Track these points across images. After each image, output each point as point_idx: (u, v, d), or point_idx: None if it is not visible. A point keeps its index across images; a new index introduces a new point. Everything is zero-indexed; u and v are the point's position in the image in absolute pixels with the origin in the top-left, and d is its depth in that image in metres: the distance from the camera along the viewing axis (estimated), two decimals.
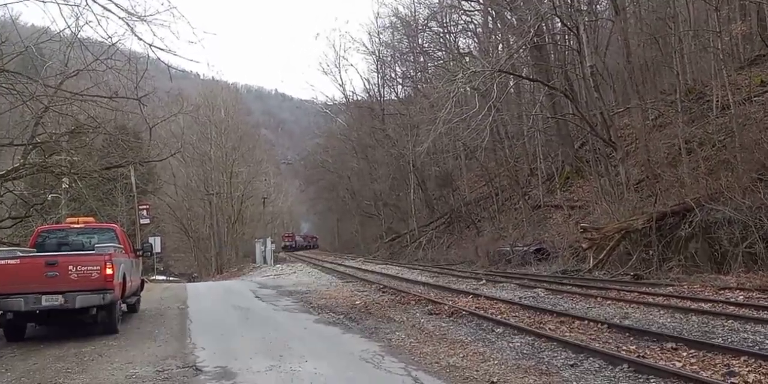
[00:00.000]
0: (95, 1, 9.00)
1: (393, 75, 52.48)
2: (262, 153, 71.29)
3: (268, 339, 9.51)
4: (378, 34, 50.33)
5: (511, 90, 29.58)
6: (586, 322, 9.65)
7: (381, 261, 36.79)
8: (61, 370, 7.61)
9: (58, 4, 9.34)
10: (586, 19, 23.51)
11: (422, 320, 10.99)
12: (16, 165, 16.53)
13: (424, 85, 42.36)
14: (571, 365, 6.98)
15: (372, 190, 50.99)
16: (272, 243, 46.67)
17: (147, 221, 36.97)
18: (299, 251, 69.90)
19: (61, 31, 12.71)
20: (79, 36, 11.32)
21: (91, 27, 9.71)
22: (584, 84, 25.67)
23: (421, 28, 43.50)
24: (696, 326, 9.15)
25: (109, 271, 9.90)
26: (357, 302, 14.27)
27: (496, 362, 7.31)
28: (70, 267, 9.71)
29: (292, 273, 29.76)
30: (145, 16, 9.25)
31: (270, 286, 21.19)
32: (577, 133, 30.36)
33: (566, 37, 28.38)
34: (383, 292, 16.75)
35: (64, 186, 24.09)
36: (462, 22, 39.65)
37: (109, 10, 9.11)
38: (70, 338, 9.98)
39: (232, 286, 24.12)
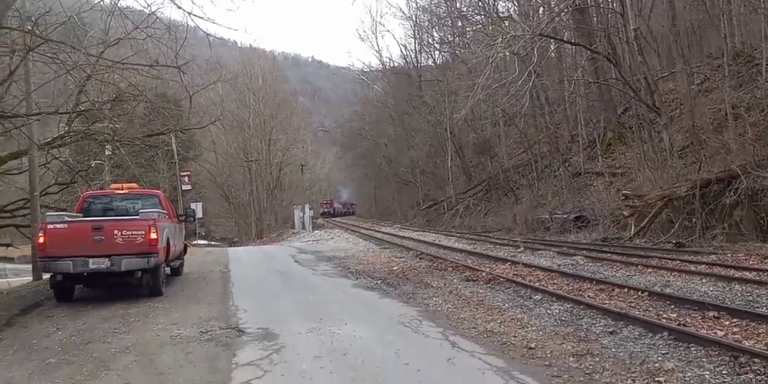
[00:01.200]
0: None
1: (430, 40, 51.59)
2: (300, 120, 71.54)
3: (307, 302, 9.71)
4: None
5: (552, 54, 28.86)
6: (626, 289, 9.56)
7: (418, 228, 36.91)
8: (108, 330, 7.91)
9: None
10: None
11: (459, 286, 11.05)
12: (61, 132, 16.93)
13: (462, 51, 41.57)
14: (611, 332, 6.95)
15: (409, 157, 50.81)
16: (310, 209, 47.14)
17: (188, 187, 37.70)
18: (337, 218, 70.52)
19: (101, 0, 12.83)
20: (119, 5, 11.37)
21: None
22: (628, 48, 24.85)
23: None
24: (739, 295, 8.98)
25: (153, 236, 10.16)
26: (394, 268, 14.40)
27: (533, 328, 7.33)
28: (116, 231, 10.00)
29: (330, 239, 30.11)
30: None
31: (309, 252, 21.51)
32: (620, 99, 29.55)
33: None
34: (420, 258, 16.86)
35: (107, 153, 24.68)
36: None
37: None
38: (116, 300, 10.34)
39: (272, 251, 24.55)
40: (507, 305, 9.00)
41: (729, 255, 13.19)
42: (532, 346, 6.45)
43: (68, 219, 10.78)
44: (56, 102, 16.91)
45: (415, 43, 51.41)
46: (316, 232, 39.52)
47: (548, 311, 8.39)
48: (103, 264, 9.91)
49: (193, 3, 18.90)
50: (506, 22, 29.13)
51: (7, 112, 13.92)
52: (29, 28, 10.94)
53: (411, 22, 50.67)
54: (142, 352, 6.70)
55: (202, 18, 9.59)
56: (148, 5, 10.45)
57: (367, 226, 44.78)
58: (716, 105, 21.38)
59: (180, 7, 9.50)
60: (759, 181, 15.37)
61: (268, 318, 8.38)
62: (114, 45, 14.55)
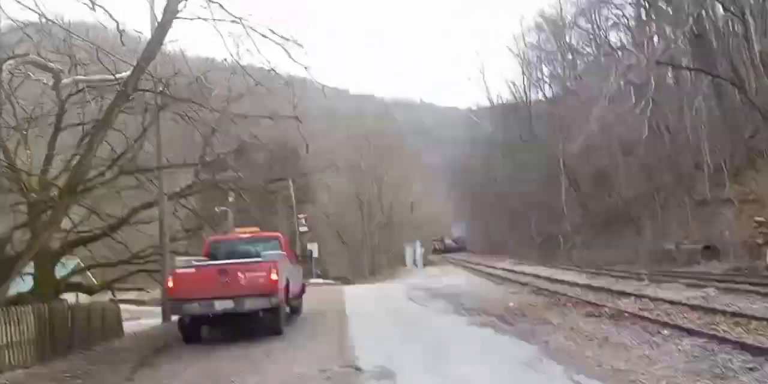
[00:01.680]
0: (254, 30, 9.75)
1: (539, 75, 51.33)
2: (409, 160, 72.56)
3: (423, 340, 9.66)
4: (523, 37, 49.50)
5: (671, 82, 27.78)
6: (765, 322, 8.78)
7: (532, 263, 35.86)
8: (234, 369, 8.22)
9: (221, 36, 10.18)
10: (752, 2, 21.57)
11: (581, 322, 10.57)
12: (188, 183, 18.16)
13: (573, 83, 40.91)
14: (750, 369, 6.38)
15: (520, 191, 50.00)
16: (421, 246, 47.17)
17: (305, 229, 38.97)
18: (449, 254, 70.05)
19: (224, 60, 13.86)
20: (240, 63, 12.23)
21: (251, 53, 10.53)
22: (753, 71, 23.52)
23: (568, 25, 42.12)
24: None
25: (274, 277, 10.57)
26: (510, 304, 14.05)
27: (663, 365, 6.87)
28: (240, 274, 10.49)
29: (442, 275, 29.95)
30: (299, 41, 9.92)
31: (422, 288, 21.45)
32: (747, 123, 27.80)
33: (730, 22, 26.20)
34: (537, 293, 16.39)
35: (230, 199, 26.11)
36: (612, 16, 37.85)
37: (267, 37, 9.85)
38: (239, 340, 10.73)
39: (385, 288, 24.72)
40: (633, 342, 8.50)
41: None
42: (664, 383, 6.05)
43: (195, 263, 11.42)
44: (184, 155, 18.26)
45: (523, 78, 51.32)
46: (427, 268, 39.48)
47: (679, 347, 7.84)
48: (228, 305, 10.38)
49: (307, 57, 19.97)
50: (620, 53, 28.47)
51: (140, 167, 15.23)
52: (161, 89, 11.94)
53: (519, 58, 50.79)
54: None
55: (315, 70, 10.25)
56: (268, 62, 11.21)
57: (479, 261, 44.09)
58: None
59: (297, 62, 10.18)
60: None
61: (384, 356, 8.39)
62: (237, 100, 15.61)
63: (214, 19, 9.84)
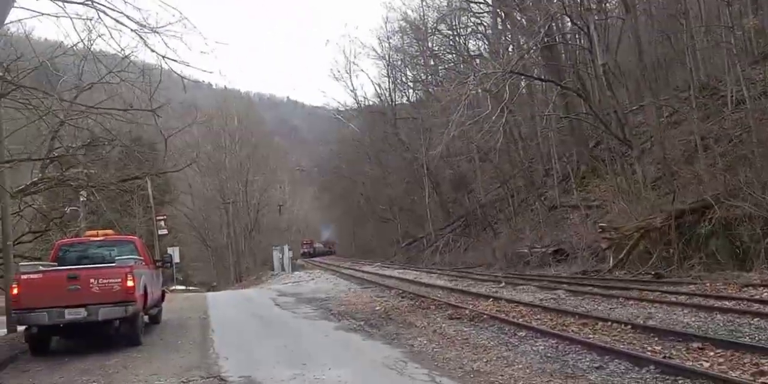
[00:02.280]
0: (107, 15, 8.99)
1: (404, 79, 52.41)
2: (277, 161, 71.71)
3: (289, 347, 9.53)
4: (387, 39, 50.28)
5: (523, 91, 29.47)
6: (609, 323, 9.55)
7: (398, 265, 36.75)
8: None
9: (71, 18, 9.37)
10: (597, 17, 23.39)
11: (443, 325, 10.94)
12: (34, 179, 16.72)
13: (435, 89, 42.26)
14: (597, 368, 6.92)
15: (386, 194, 50.97)
16: (290, 250, 46.73)
17: (165, 232, 37.23)
18: (317, 258, 70.00)
19: (74, 45, 12.86)
20: (92, 49, 11.41)
21: (104, 40, 9.75)
22: (597, 83, 25.52)
23: (430, 31, 43.30)
24: (721, 325, 9.03)
25: (130, 284, 9.95)
26: (377, 308, 14.27)
27: (520, 366, 7.27)
28: (92, 280, 9.78)
29: (310, 280, 29.79)
30: (157, 27, 9.25)
31: (289, 294, 21.23)
32: (592, 133, 30.13)
33: (577, 36, 28.23)
34: (402, 297, 16.74)
35: (81, 199, 24.36)
36: (471, 24, 39.49)
37: (122, 23, 9.12)
38: (93, 351, 10.04)
39: (252, 294, 24.22)
40: (492, 343, 8.92)
41: (708, 284, 13.29)
42: None
43: (42, 268, 10.55)
44: (29, 148, 16.76)
45: (389, 82, 52.20)
46: (296, 273, 39.09)
47: (533, 348, 8.34)
48: (79, 314, 9.65)
49: (167, 46, 18.81)
50: (477, 60, 29.82)
51: None
52: (0, 74, 10.88)
53: (384, 61, 51.44)
54: None
55: (176, 61, 9.57)
56: (122, 49, 10.45)
57: (348, 265, 44.48)
58: (686, 136, 21.90)
59: (154, 51, 9.50)
60: (732, 210, 15.64)
61: (249, 365, 8.20)
62: (87, 89, 14.55)
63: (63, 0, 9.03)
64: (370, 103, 56.42)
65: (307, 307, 16.12)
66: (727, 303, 10.78)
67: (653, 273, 16.10)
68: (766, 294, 11.50)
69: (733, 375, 6.05)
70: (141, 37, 9.47)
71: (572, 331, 9.26)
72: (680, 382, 6.02)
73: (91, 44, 10.87)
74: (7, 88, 11.80)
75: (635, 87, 28.50)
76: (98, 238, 12.87)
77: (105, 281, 9.85)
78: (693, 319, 9.73)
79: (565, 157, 32.15)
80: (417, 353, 8.50)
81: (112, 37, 9.69)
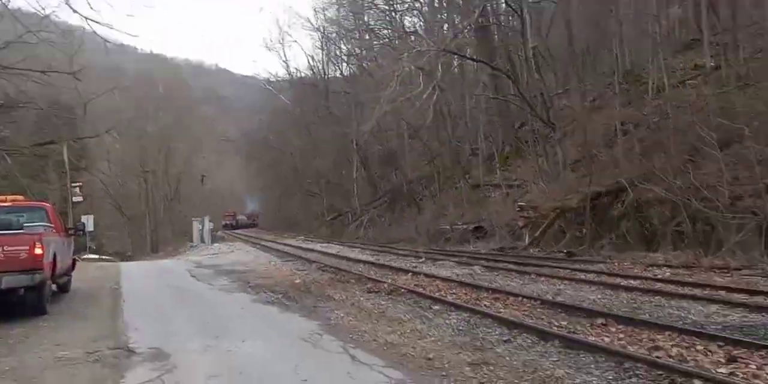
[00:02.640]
0: None
1: (338, 53, 51.87)
2: (202, 129, 69.71)
3: (204, 319, 9.36)
4: (323, 11, 49.53)
5: (455, 70, 29.75)
6: (520, 298, 9.87)
7: (322, 239, 36.70)
8: None
9: None
10: (530, 0, 23.75)
11: (361, 298, 11.01)
12: None
13: (369, 64, 42.00)
14: (505, 341, 7.12)
15: (315, 167, 50.61)
16: (211, 222, 45.83)
17: (79, 199, 35.65)
18: (239, 230, 68.99)
19: None
20: (9, 6, 10.69)
21: None
22: (526, 65, 26.01)
23: (367, 5, 42.86)
24: (625, 302, 9.47)
25: (38, 251, 9.52)
26: (296, 281, 14.20)
27: (432, 339, 7.40)
28: None
29: (230, 252, 29.37)
30: None
31: (207, 266, 20.84)
32: (518, 114, 30.78)
33: (510, 18, 28.60)
34: (323, 270, 16.73)
35: None
36: (409, 0, 39.41)
37: None
38: None
39: (168, 265, 23.65)
40: (407, 316, 9.04)
41: (616, 264, 13.94)
42: (431, 356, 6.49)
43: None
44: None
45: (322, 54, 51.58)
46: (215, 245, 38.44)
47: (447, 321, 8.50)
48: None
49: (90, 8, 17.83)
50: (412, 37, 29.80)
51: None
52: None
53: (319, 33, 50.77)
54: (22, 376, 6.21)
55: (99, 23, 9.08)
56: (42, 8, 9.86)
57: (270, 238, 44.09)
58: (607, 121, 22.66)
59: (76, 11, 9.00)
60: (644, 193, 16.38)
61: (160, 336, 7.99)
62: (2, 48, 13.67)
63: None
64: (303, 75, 55.76)
65: (224, 279, 15.86)
66: (632, 282, 11.33)
67: (566, 251, 16.75)
68: (668, 273, 12.18)
69: (631, 350, 6.35)
70: None
71: (485, 305, 9.51)
72: (582, 356, 6.26)
73: (9, 1, 10.17)
74: None
75: (563, 71, 29.27)
76: (6, 204, 12.21)
77: (11, 248, 9.36)
78: (599, 296, 10.17)
79: (491, 137, 32.76)
80: (333, 326, 8.51)
81: None
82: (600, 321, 7.84)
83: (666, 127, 18.72)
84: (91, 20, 9.03)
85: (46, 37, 12.07)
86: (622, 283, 11.11)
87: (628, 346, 6.55)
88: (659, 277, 11.77)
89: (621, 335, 7.14)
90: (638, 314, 8.43)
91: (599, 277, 12.16)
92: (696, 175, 15.29)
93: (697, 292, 9.93)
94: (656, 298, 9.57)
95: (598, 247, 16.71)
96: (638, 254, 15.09)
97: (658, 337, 6.88)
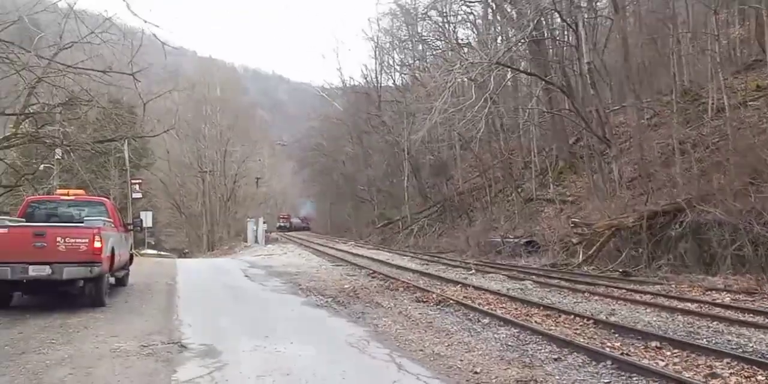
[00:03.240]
0: None
1: (391, 62, 52.27)
2: (258, 133, 71.02)
3: (255, 319, 9.53)
4: (377, 21, 50.31)
5: (508, 83, 29.54)
6: (572, 316, 9.68)
7: (372, 246, 36.84)
8: (45, 341, 7.60)
9: None
10: (586, 15, 23.51)
11: (409, 307, 11.01)
12: (7, 134, 16.41)
13: (421, 74, 42.13)
14: (555, 359, 7.01)
15: (366, 175, 50.92)
16: (264, 223, 46.63)
17: (139, 196, 36.86)
18: (292, 232, 69.91)
19: (56, 2, 12.56)
20: (74, 8, 11.14)
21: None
22: (581, 80, 25.64)
23: (420, 16, 43.03)
24: (681, 326, 9.19)
25: (97, 245, 9.87)
26: (345, 286, 14.30)
27: (480, 353, 7.34)
28: (59, 238, 9.67)
29: (282, 254, 29.78)
30: None
31: (260, 266, 21.20)
32: (572, 129, 30.35)
33: (565, 32, 28.28)
34: (372, 277, 16.79)
35: (56, 157, 24.01)
36: (462, 12, 39.48)
37: None
38: (56, 309, 9.96)
39: (223, 264, 24.13)
40: (455, 328, 8.99)
41: (673, 286, 13.52)
42: (478, 370, 6.45)
43: (9, 223, 10.38)
44: (4, 103, 16.41)
45: (375, 63, 51.98)
46: (269, 246, 39.05)
47: (495, 335, 8.42)
48: (43, 271, 9.53)
49: (150, 11, 18.45)
50: (465, 49, 29.70)
51: None
52: None
53: (372, 43, 51.29)
54: (78, 365, 6.44)
55: (158, 26, 9.38)
56: (105, 10, 10.26)
57: (322, 242, 44.47)
58: (664, 140, 22.14)
59: (136, 15, 9.36)
60: (703, 215, 15.89)
61: (212, 334, 8.18)
62: (68, 48, 14.23)
63: None
64: (356, 83, 56.33)
65: (276, 280, 16.11)
66: (689, 305, 10.97)
67: (621, 271, 16.34)
68: (728, 299, 11.73)
69: (687, 375, 6.16)
70: (124, 0, 9.32)
71: (535, 321, 9.37)
72: (635, 379, 6.12)
73: (75, 2, 10.62)
74: None
75: (618, 87, 28.74)
76: (69, 198, 12.75)
77: (72, 240, 9.74)
78: (655, 318, 9.90)
79: (545, 151, 32.36)
80: (380, 333, 8.54)
81: None
82: (655, 344, 7.63)
83: (726, 148, 18.16)
84: (151, 23, 9.34)
85: (108, 39, 12.51)
86: (679, 306, 10.77)
87: (684, 372, 6.36)
88: (718, 301, 11.36)
89: (676, 360, 6.94)
90: (695, 339, 8.17)
91: (655, 299, 11.82)
92: (757, 198, 14.74)
93: (759, 319, 9.54)
94: (714, 323, 9.24)
95: (654, 268, 16.24)
96: (696, 277, 14.61)
97: (716, 364, 6.66)
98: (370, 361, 6.82)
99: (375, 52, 51.38)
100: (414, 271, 18.55)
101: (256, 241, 43.27)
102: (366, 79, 53.65)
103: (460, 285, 14.11)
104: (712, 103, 21.64)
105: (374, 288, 13.97)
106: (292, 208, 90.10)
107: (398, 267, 20.29)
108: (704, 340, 8.16)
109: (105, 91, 17.06)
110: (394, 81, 52.14)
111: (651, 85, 28.08)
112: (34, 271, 9.50)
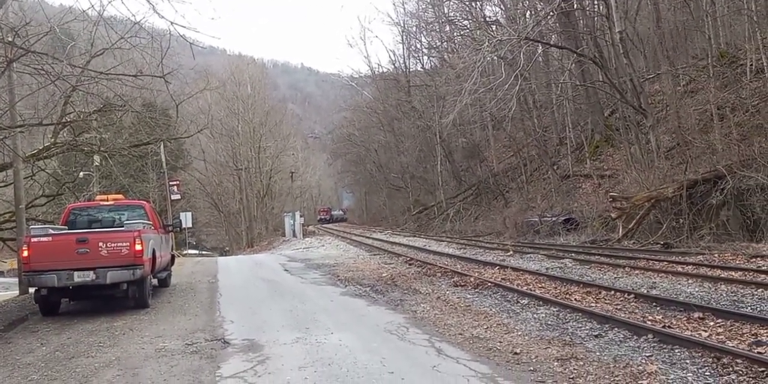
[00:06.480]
0: None
1: (418, 46, 51.81)
2: (290, 127, 71.58)
3: (295, 312, 9.67)
4: (403, 4, 49.80)
5: (539, 58, 28.99)
6: (612, 292, 9.58)
7: (408, 233, 36.91)
8: (93, 344, 7.85)
9: None
10: None
11: (447, 292, 11.03)
12: (46, 144, 16.84)
13: (450, 56, 41.72)
14: (596, 336, 6.96)
15: (399, 162, 50.87)
16: (301, 216, 47.09)
17: (177, 197, 37.58)
18: (329, 224, 70.57)
19: (85, 11, 12.79)
20: (103, 15, 11.33)
21: (114, 7, 9.67)
22: (613, 50, 24.99)
23: None
24: (725, 295, 9.02)
25: (138, 247, 10.11)
26: (383, 274, 14.38)
27: (519, 333, 7.33)
28: (101, 244, 9.94)
29: (320, 246, 30.05)
30: None
31: (298, 259, 21.45)
32: (607, 101, 29.76)
33: (595, 2, 27.64)
34: (410, 264, 16.84)
35: (95, 164, 24.59)
36: None
37: None
38: (102, 313, 10.28)
39: (262, 259, 24.47)
40: (494, 310, 8.99)
41: (716, 255, 13.25)
42: (518, 351, 6.44)
43: (52, 232, 10.71)
44: (41, 113, 16.83)
45: (403, 48, 51.95)
46: (306, 239, 39.43)
47: (534, 315, 8.39)
48: (88, 277, 9.85)
49: (176, 12, 18.73)
50: (493, 27, 29.33)
51: None
52: (10, 39, 10.85)
53: (399, 27, 51.00)
54: (126, 366, 6.64)
55: (185, 27, 9.52)
56: (133, 15, 10.42)
57: (358, 232, 44.75)
58: (702, 106, 21.55)
59: (163, 17, 9.49)
60: (744, 181, 15.48)
61: (254, 328, 8.33)
62: (99, 55, 14.50)
63: None
64: (384, 70, 56.11)
65: (315, 272, 16.29)
66: (733, 274, 10.76)
67: (662, 243, 16.05)
68: None
69: (731, 345, 6.06)
70: (150, 3, 9.43)
71: (575, 299, 9.29)
72: (677, 351, 6.04)
73: (103, 10, 10.81)
74: (17, 53, 11.78)
75: (652, 55, 27.99)
76: (108, 203, 13.05)
77: (113, 245, 10.01)
78: (697, 289, 9.73)
79: (580, 125, 31.82)
80: (419, 319, 8.58)
81: (123, 2, 9.67)
82: (697, 314, 7.51)
83: (766, 109, 17.57)
84: (177, 24, 9.44)
85: (138, 43, 12.70)
86: (722, 275, 10.57)
87: (727, 341, 6.25)
88: (763, 268, 11.08)
89: (720, 330, 6.83)
90: (739, 307, 8.02)
91: (697, 269, 11.61)
92: None
93: None
94: (759, 290, 9.04)
95: (696, 238, 15.90)
96: (740, 245, 14.27)
97: (762, 331, 6.53)
98: (410, 347, 6.86)
99: (402, 36, 51.31)
100: (451, 256, 18.54)
101: (294, 235, 43.74)
102: (394, 65, 53.54)
103: (497, 267, 14.07)
104: (751, 65, 20.96)
105: (412, 275, 14.02)
106: (328, 200, 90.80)
107: (435, 253, 20.31)
108: (749, 308, 8.00)
109: (138, 95, 17.36)
110: (423, 65, 51.89)
111: (686, 50, 27.31)
112: (79, 277, 9.81)
